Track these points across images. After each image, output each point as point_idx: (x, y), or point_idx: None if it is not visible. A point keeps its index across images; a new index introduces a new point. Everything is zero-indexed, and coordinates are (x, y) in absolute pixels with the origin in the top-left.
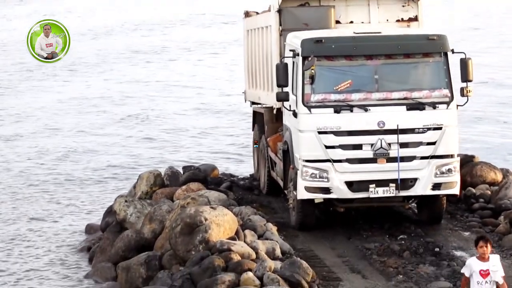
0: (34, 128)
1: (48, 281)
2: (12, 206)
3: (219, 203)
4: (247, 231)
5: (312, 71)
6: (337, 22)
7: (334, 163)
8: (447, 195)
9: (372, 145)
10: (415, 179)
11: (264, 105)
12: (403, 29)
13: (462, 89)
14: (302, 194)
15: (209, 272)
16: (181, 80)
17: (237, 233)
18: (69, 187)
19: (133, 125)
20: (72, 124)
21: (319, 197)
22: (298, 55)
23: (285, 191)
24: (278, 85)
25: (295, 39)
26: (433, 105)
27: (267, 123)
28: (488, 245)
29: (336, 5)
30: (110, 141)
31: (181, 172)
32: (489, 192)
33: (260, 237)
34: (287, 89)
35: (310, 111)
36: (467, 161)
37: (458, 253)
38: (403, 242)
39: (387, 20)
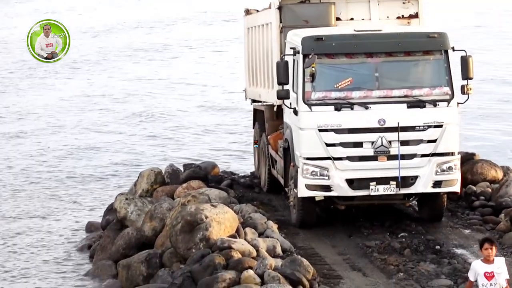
0: (36, 126)
1: (48, 279)
2: (13, 203)
3: (219, 201)
4: (247, 229)
5: (313, 69)
6: (338, 19)
7: (335, 161)
8: (448, 193)
9: (372, 143)
10: (415, 177)
11: (264, 103)
12: (403, 27)
13: (462, 87)
14: (302, 192)
15: (210, 270)
16: (184, 77)
17: (237, 231)
18: (70, 184)
19: (135, 122)
20: (74, 122)
21: (319, 194)
22: (298, 53)
23: (286, 189)
24: (279, 83)
25: (295, 37)
26: (434, 103)
27: (268, 121)
28: (493, 247)
29: (336, 2)
30: (112, 138)
31: (182, 170)
32: (490, 190)
33: (260, 235)
34: (288, 87)
35: (310, 109)
36: (467, 159)
37: (459, 251)
38: (403, 240)
39: (388, 17)
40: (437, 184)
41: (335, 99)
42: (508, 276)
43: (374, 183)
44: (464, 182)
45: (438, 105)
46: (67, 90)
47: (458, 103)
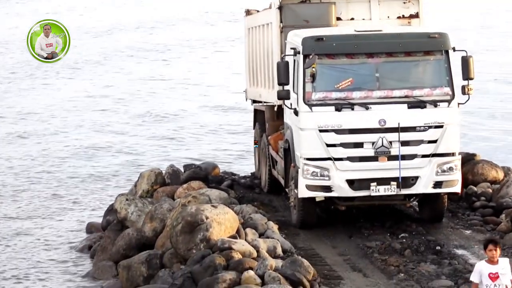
0: (37, 126)
1: (49, 280)
2: (14, 204)
3: (220, 201)
4: (248, 230)
5: (313, 69)
6: (338, 18)
7: (335, 161)
8: (449, 193)
9: (373, 143)
10: (416, 177)
11: (265, 103)
12: (404, 27)
13: (463, 87)
14: (303, 192)
15: (210, 271)
16: (186, 78)
17: (238, 231)
18: (70, 185)
19: (137, 123)
20: (76, 122)
21: (320, 195)
22: (299, 53)
23: (286, 190)
24: (279, 84)
25: (296, 37)
26: (434, 103)
27: (268, 121)
28: (498, 248)
29: (337, 2)
30: (113, 139)
31: (182, 170)
32: (491, 190)
33: (261, 235)
34: (288, 87)
35: (311, 109)
36: (468, 159)
37: (460, 252)
38: (404, 240)
39: (388, 16)
40: (437, 184)
41: (336, 99)
42: None
43: (375, 183)
44: (465, 183)
45: (439, 105)
46: (68, 90)
47: (458, 104)
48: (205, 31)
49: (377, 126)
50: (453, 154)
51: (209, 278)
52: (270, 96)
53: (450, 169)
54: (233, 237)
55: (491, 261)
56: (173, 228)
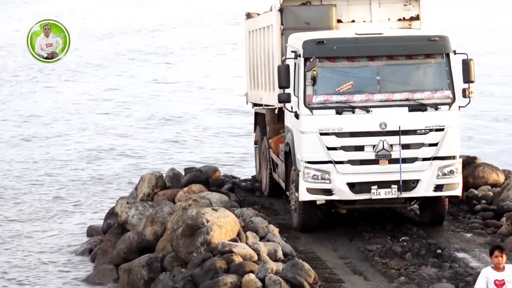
0: (39, 129)
1: (49, 283)
2: (15, 207)
3: (220, 204)
4: (248, 233)
5: (314, 72)
6: (339, 21)
7: (336, 165)
8: (449, 197)
9: (374, 146)
10: (417, 181)
11: (265, 106)
12: (405, 30)
13: (464, 90)
14: (304, 195)
15: (211, 274)
16: (189, 80)
17: (238, 234)
18: (71, 188)
19: (139, 126)
20: (78, 125)
21: (321, 198)
22: (299, 56)
23: (287, 193)
24: (280, 87)
25: (296, 40)
26: (435, 106)
27: (269, 124)
28: (504, 254)
29: (337, 4)
30: (116, 142)
31: (183, 173)
32: (491, 194)
33: (262, 238)
34: (289, 90)
35: (311, 112)
36: (469, 163)
37: (460, 255)
38: (405, 243)
39: (389, 19)
40: (438, 187)
41: (336, 102)
42: None
43: (376, 187)
44: (466, 186)
45: (440, 108)
46: (70, 93)
47: (459, 107)
48: (206, 34)
49: (378, 129)
50: (453, 157)
51: (210, 282)
52: (270, 99)
53: (451, 172)
54: (234, 240)
55: (497, 267)
56: (173, 232)
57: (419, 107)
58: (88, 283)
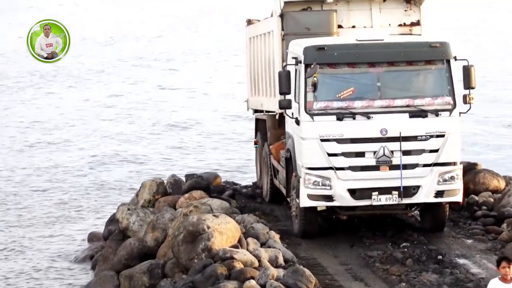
0: (42, 136)
1: None
2: (15, 213)
3: (221, 211)
4: (249, 239)
5: (315, 78)
6: (339, 26)
7: (337, 171)
8: (450, 203)
9: (374, 152)
10: (417, 187)
11: (266, 112)
12: (405, 36)
13: (464, 96)
14: (304, 202)
15: (212, 280)
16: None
17: (239, 241)
18: (72, 194)
19: (143, 132)
20: (81, 131)
21: (321, 204)
22: (300, 62)
23: (288, 199)
24: (281, 93)
25: (297, 47)
26: (436, 113)
27: (270, 130)
28: (511, 265)
29: (338, 10)
30: (119, 147)
31: (184, 180)
32: (492, 200)
33: (262, 245)
34: (290, 96)
35: (312, 118)
36: (469, 169)
37: (461, 261)
38: (405, 249)
39: (389, 24)
40: (439, 194)
41: (337, 108)
42: None
43: (376, 193)
44: (466, 192)
45: (440, 114)
46: (73, 100)
47: (460, 113)
48: (208, 40)
49: (379, 135)
50: (454, 163)
51: None
52: (271, 105)
53: (452, 178)
54: (235, 246)
55: (504, 278)
56: (174, 238)
57: (419, 113)
58: None
